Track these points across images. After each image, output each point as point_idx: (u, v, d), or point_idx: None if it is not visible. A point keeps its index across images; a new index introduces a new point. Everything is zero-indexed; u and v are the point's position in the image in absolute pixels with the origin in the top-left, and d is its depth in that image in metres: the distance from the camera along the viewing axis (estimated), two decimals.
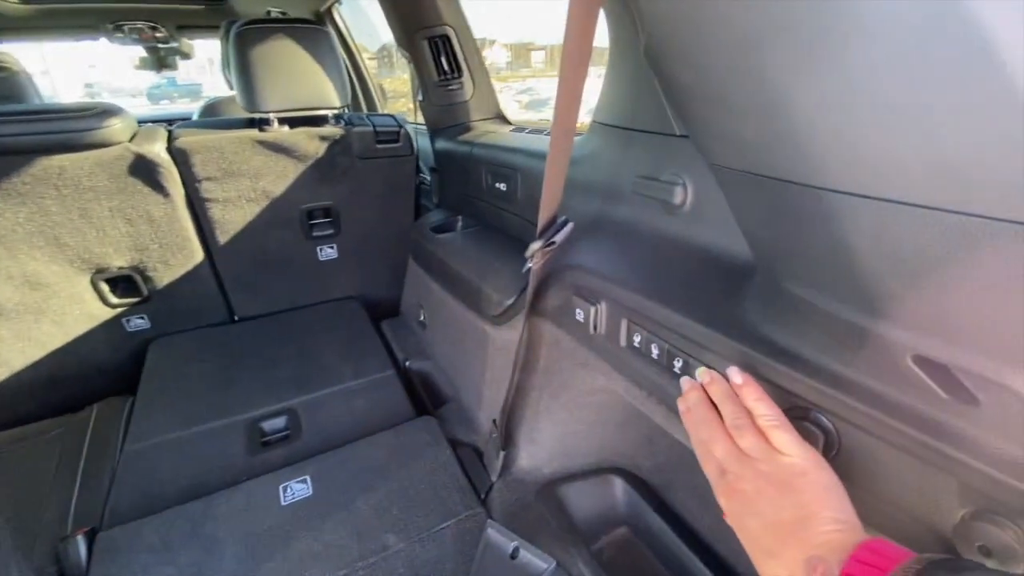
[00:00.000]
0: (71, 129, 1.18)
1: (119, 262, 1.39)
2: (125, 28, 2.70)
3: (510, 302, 1.02)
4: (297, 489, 1.04)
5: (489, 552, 0.89)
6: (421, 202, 1.86)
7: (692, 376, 0.58)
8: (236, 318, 1.66)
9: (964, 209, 0.30)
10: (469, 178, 1.38)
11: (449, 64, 1.43)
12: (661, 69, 0.50)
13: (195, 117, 2.59)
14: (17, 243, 1.25)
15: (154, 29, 2.76)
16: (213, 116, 2.28)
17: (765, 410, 0.47)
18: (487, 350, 1.15)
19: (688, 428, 0.54)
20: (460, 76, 1.44)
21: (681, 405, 0.56)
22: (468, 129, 1.48)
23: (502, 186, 1.22)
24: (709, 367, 0.56)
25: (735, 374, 0.51)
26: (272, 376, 1.40)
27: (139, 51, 2.99)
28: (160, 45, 2.87)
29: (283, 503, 1.01)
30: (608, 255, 0.80)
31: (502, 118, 1.54)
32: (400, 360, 1.50)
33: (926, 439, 0.40)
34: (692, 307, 0.62)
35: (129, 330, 1.51)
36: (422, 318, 1.55)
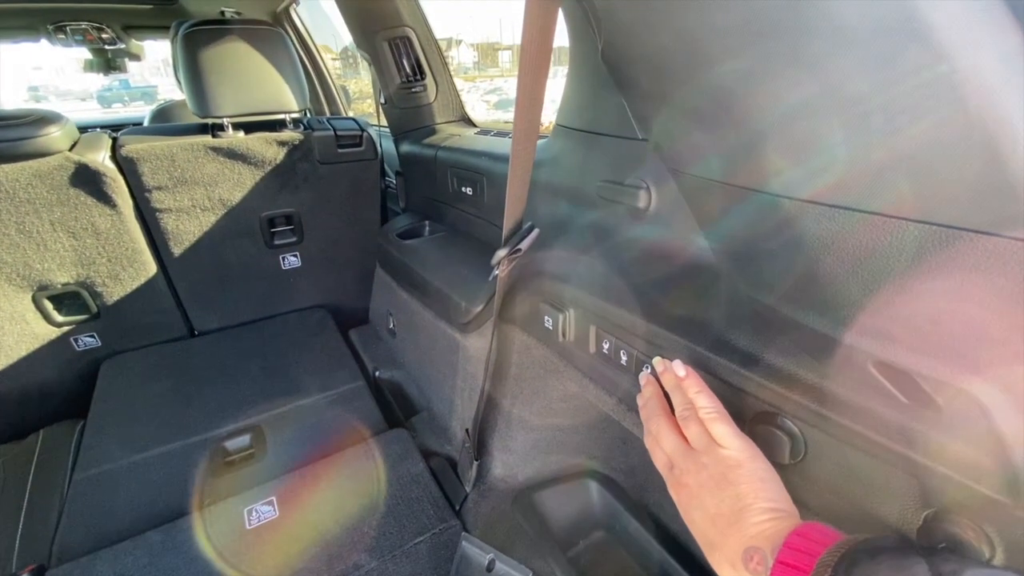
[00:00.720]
0: (5, 138, 1.10)
1: (63, 278, 1.31)
2: (67, 29, 2.56)
3: (479, 309, 1.00)
4: (263, 511, 0.99)
5: (465, 566, 0.87)
6: (388, 206, 1.82)
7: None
8: (195, 333, 1.59)
9: (925, 218, 0.30)
10: (435, 182, 1.35)
11: (411, 66, 1.40)
12: (619, 73, 0.49)
13: (146, 123, 2.48)
14: None
15: (99, 30, 2.62)
16: (164, 121, 2.18)
17: (705, 402, 0.48)
18: (458, 358, 1.13)
19: (643, 421, 0.54)
20: (423, 78, 1.42)
21: (639, 400, 0.56)
22: (433, 132, 1.45)
23: (468, 190, 1.20)
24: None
25: (679, 367, 0.51)
26: (235, 392, 1.34)
27: (85, 53, 2.84)
28: (107, 47, 2.74)
29: (248, 527, 0.96)
30: (575, 261, 0.79)
31: (467, 120, 1.52)
32: (370, 370, 1.46)
33: (889, 443, 0.40)
34: (658, 313, 0.61)
35: (78, 349, 1.43)
36: (391, 326, 1.52)
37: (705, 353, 0.53)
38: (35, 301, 1.31)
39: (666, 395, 0.53)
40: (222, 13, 2.60)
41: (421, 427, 1.23)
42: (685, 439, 0.48)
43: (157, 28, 2.66)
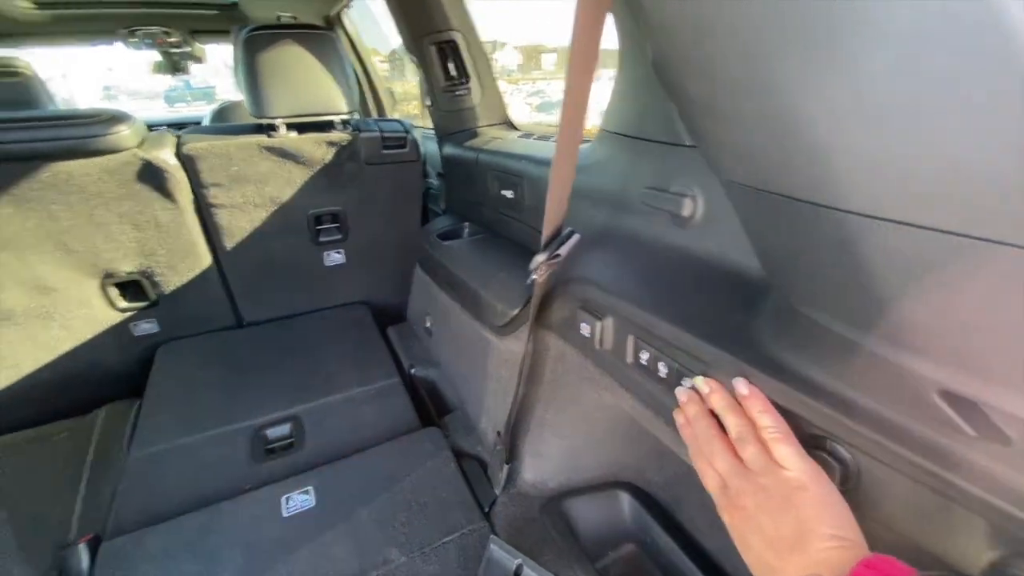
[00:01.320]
0: (79, 136, 1.18)
1: (127, 267, 1.40)
2: (139, 33, 2.73)
3: (515, 313, 1.00)
4: (300, 500, 1.03)
5: (492, 569, 0.87)
6: (428, 207, 1.84)
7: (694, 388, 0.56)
8: (243, 323, 1.66)
9: (996, 237, 0.28)
10: (475, 184, 1.37)
11: (456, 69, 1.42)
12: (669, 80, 0.48)
13: (206, 122, 2.61)
14: (26, 248, 1.26)
15: (167, 34, 2.79)
16: (223, 120, 2.30)
17: (769, 422, 0.46)
18: (491, 360, 1.13)
19: (687, 441, 0.52)
20: (467, 81, 1.43)
21: (679, 418, 0.55)
22: (475, 135, 1.47)
23: (508, 193, 1.21)
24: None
25: (742, 385, 0.50)
26: (277, 382, 1.39)
27: (154, 56, 3.03)
28: (173, 50, 2.91)
29: (285, 515, 1.00)
30: (615, 268, 0.77)
31: (509, 123, 1.52)
32: (405, 367, 1.49)
33: (952, 477, 0.37)
34: (701, 325, 0.59)
35: (137, 334, 1.52)
36: (428, 325, 1.54)
37: (750, 369, 0.51)
38: (102, 288, 1.41)
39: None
40: (278, 17, 2.71)
41: (454, 426, 1.24)
42: (739, 459, 0.46)
43: (219, 32, 2.80)
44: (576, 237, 0.74)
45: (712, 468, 0.48)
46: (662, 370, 0.64)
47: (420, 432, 1.20)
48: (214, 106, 3.00)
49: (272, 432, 1.23)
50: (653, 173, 0.73)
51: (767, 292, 0.57)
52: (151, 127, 1.42)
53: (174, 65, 3.10)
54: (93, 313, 1.42)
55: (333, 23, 2.33)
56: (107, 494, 1.09)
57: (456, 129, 1.52)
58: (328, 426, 1.25)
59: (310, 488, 1.05)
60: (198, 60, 3.15)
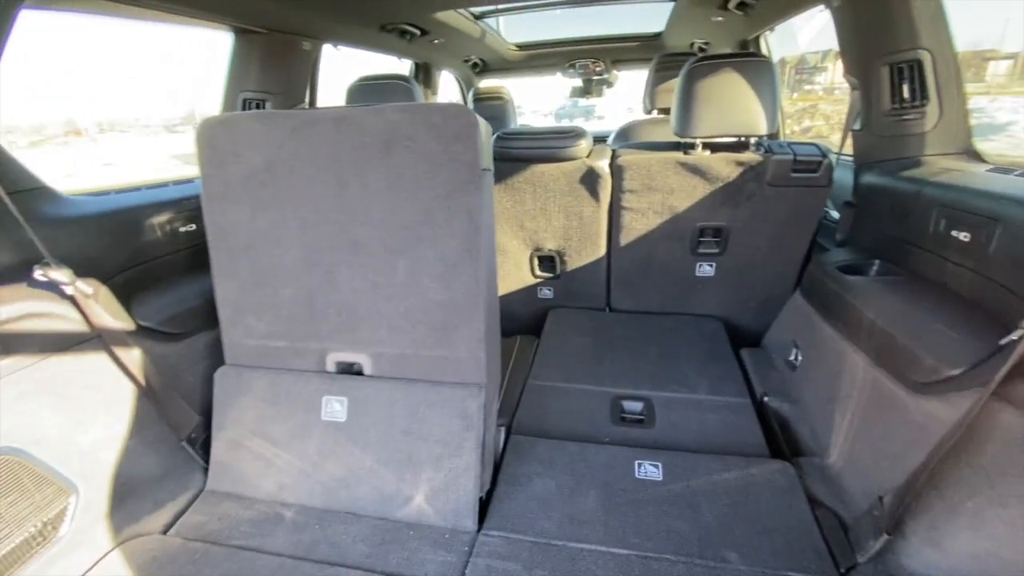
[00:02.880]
0: (557, 146, 1.61)
1: (550, 245, 1.84)
2: (576, 64, 3.45)
3: (953, 373, 0.85)
4: (649, 470, 1.17)
5: None
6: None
7: None
8: (611, 308, 1.95)
9: None
10: (908, 220, 1.20)
11: (912, 91, 1.26)
12: None
13: (611, 139, 3.04)
14: (502, 222, 1.82)
15: (595, 64, 3.42)
16: (627, 137, 2.67)
17: None
18: (890, 416, 1.00)
19: None
20: (923, 104, 1.25)
21: None
22: (917, 164, 1.28)
23: (963, 236, 1.01)
24: None
25: None
26: (634, 365, 1.59)
27: (574, 82, 3.76)
28: (595, 77, 3.55)
29: (636, 476, 1.16)
30: None
31: (973, 154, 1.26)
32: (757, 393, 1.46)
33: None
34: None
35: (539, 296, 1.99)
36: (792, 357, 1.46)
37: None
38: (530, 259, 1.90)
39: None
40: (692, 44, 2.96)
41: (809, 470, 1.16)
42: None
43: (637, 60, 3.26)
44: None
45: None
46: None
47: (771, 462, 1.17)
48: (594, 122, 3.52)
49: (627, 405, 1.43)
50: None
51: None
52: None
53: (585, 90, 3.79)
54: (521, 275, 1.93)
55: (748, 47, 2.39)
56: (514, 400, 1.48)
57: (890, 157, 1.36)
58: (675, 418, 1.36)
59: (659, 464, 1.18)
60: (610, 85, 3.75)
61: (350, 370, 1.21)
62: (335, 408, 1.18)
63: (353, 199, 1.08)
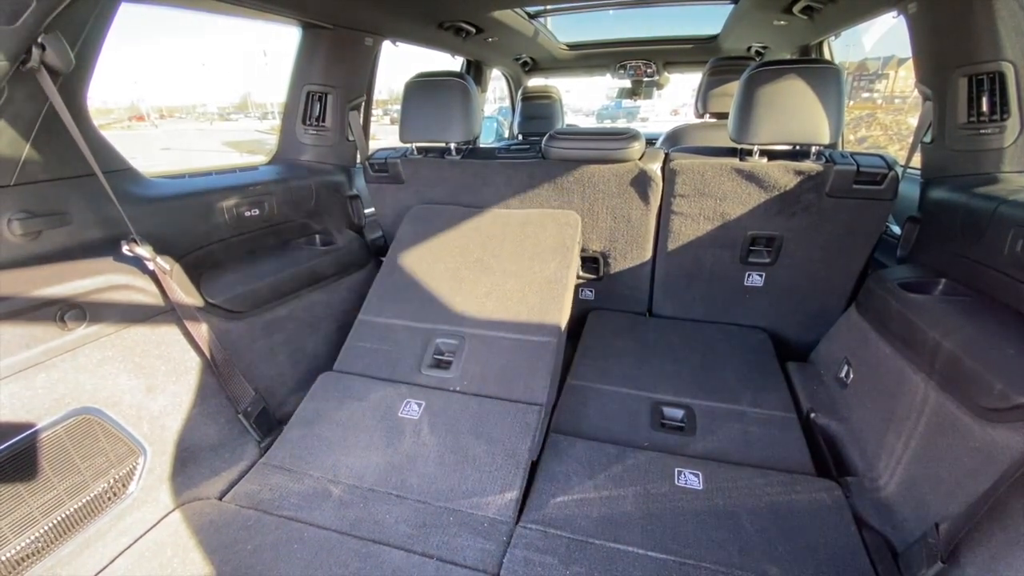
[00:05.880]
0: (610, 148, 1.61)
1: (596, 246, 1.84)
2: (627, 66, 3.42)
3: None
4: (689, 478, 1.16)
5: None
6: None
7: None
8: (652, 313, 1.93)
9: None
10: (981, 239, 1.14)
11: (992, 104, 1.20)
12: None
13: (660, 142, 2.98)
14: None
15: (647, 65, 3.38)
16: (675, 140, 2.63)
17: None
18: (951, 442, 0.96)
19: None
20: (1004, 119, 1.19)
21: None
22: (993, 180, 1.22)
23: None
24: None
25: None
26: (676, 371, 1.57)
27: (622, 82, 3.72)
28: (646, 79, 3.50)
29: (675, 483, 1.15)
30: None
31: None
32: (804, 409, 1.42)
33: None
34: None
35: (581, 298, 1.98)
36: (843, 375, 1.41)
37: None
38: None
39: None
40: (748, 48, 2.88)
41: (857, 492, 1.13)
42: None
43: (690, 63, 3.20)
44: None
45: None
46: None
47: (816, 480, 1.14)
48: (636, 123, 3.48)
49: (668, 411, 1.41)
50: None
51: None
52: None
53: (634, 91, 3.74)
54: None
55: (810, 51, 2.31)
56: (552, 398, 1.49)
57: (960, 172, 1.30)
58: (717, 428, 1.34)
59: (699, 473, 1.17)
60: (660, 88, 3.69)
61: (438, 385, 1.43)
62: (412, 408, 1.36)
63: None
